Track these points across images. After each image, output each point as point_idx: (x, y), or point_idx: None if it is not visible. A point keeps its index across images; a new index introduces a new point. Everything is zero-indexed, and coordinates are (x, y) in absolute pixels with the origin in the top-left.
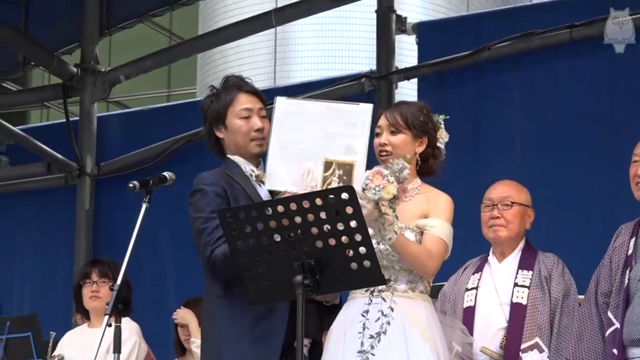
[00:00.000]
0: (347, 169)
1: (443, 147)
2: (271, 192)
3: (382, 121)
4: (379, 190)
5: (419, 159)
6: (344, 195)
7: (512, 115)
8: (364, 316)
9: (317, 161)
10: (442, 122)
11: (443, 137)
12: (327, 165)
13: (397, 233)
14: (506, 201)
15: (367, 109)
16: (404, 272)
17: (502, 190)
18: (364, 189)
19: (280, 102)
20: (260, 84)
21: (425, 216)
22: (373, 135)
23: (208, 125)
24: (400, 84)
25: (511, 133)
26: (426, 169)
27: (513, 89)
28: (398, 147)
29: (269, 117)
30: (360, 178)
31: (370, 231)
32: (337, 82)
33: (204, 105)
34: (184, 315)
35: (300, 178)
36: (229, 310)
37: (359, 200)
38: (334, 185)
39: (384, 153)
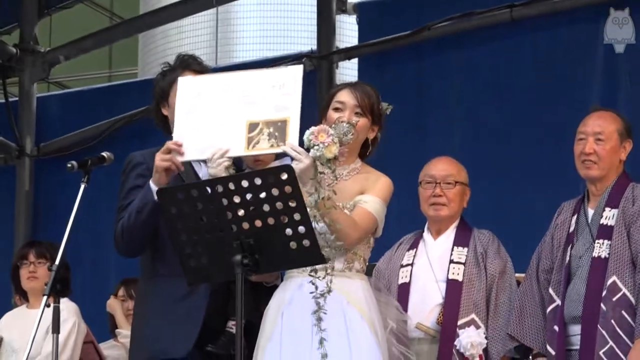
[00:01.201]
0: (280, 125)
1: (379, 134)
2: None
3: (347, 97)
4: (322, 148)
5: (369, 143)
6: (284, 176)
7: (454, 96)
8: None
9: (233, 125)
10: (388, 113)
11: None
12: (252, 126)
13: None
14: (449, 179)
15: (296, 69)
16: (341, 251)
17: (444, 169)
18: (307, 147)
19: (183, 81)
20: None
21: (362, 193)
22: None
23: (155, 102)
24: (341, 64)
25: (452, 113)
26: (365, 154)
27: (454, 70)
28: (361, 129)
29: None
30: (294, 133)
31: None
32: (278, 62)
33: (154, 82)
34: (111, 304)
35: (211, 145)
36: (151, 290)
37: (295, 154)
38: (263, 143)
39: None
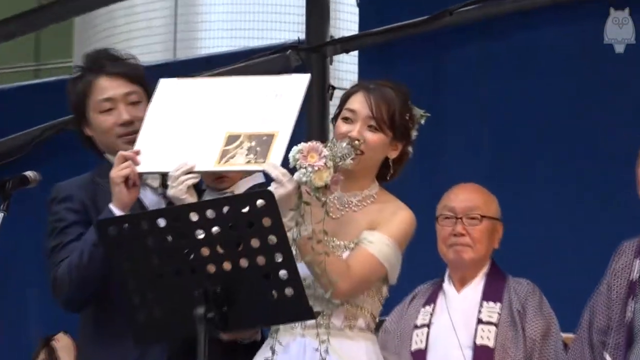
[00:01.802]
0: (265, 139)
1: (411, 149)
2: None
3: (359, 105)
4: (310, 172)
5: (390, 162)
6: (260, 202)
7: (479, 99)
8: None
9: (210, 137)
10: (425, 119)
11: (413, 134)
12: (231, 138)
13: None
14: (473, 213)
15: (302, 78)
16: (335, 304)
17: (468, 199)
18: (293, 167)
19: (165, 83)
20: (156, 56)
21: (371, 229)
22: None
23: (74, 120)
24: (336, 57)
25: (477, 122)
26: (387, 175)
27: (480, 65)
28: (373, 148)
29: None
30: (279, 150)
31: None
32: (255, 55)
33: (68, 93)
34: None
35: (176, 158)
36: (92, 352)
37: (276, 174)
38: (239, 158)
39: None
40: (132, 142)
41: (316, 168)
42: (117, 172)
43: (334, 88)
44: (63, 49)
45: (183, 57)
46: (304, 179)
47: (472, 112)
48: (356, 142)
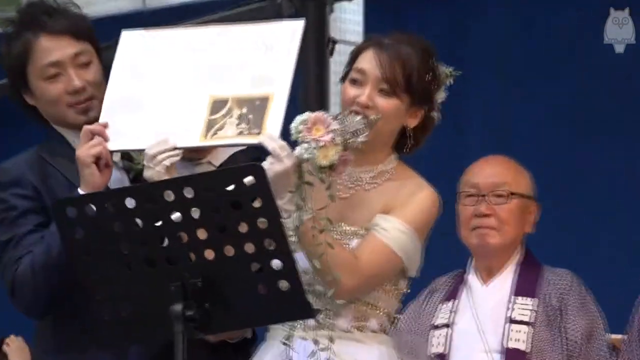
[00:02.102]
0: (258, 105)
1: (437, 114)
2: (135, 176)
3: (369, 64)
4: (314, 148)
5: (409, 132)
6: (249, 179)
7: (505, 55)
8: None
9: (190, 103)
10: (450, 80)
11: (441, 96)
12: (217, 105)
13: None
14: (500, 190)
15: (294, 27)
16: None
17: (494, 174)
18: (294, 141)
19: (128, 37)
20: (121, 4)
21: (385, 211)
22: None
23: (10, 85)
24: (337, 6)
25: (508, 86)
26: (407, 145)
27: (506, 15)
28: (386, 116)
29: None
30: (277, 117)
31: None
32: (239, 3)
33: (1, 54)
34: None
35: (152, 132)
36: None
37: (274, 147)
38: (228, 129)
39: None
40: (86, 111)
41: (321, 144)
42: (86, 150)
43: (334, 42)
44: None
45: (154, 5)
46: (306, 155)
47: (496, 71)
48: (372, 117)
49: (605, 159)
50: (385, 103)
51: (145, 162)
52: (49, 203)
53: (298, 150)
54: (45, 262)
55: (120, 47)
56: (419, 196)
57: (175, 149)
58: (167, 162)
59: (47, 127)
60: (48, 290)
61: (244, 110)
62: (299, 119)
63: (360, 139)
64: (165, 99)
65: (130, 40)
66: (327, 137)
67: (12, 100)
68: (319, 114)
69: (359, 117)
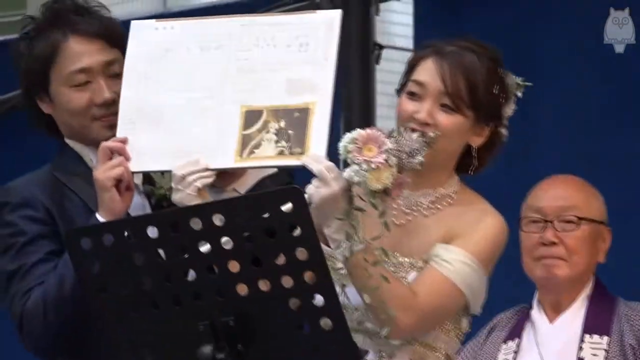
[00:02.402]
0: (297, 117)
1: (505, 131)
2: (157, 202)
3: (429, 76)
4: (365, 170)
5: (474, 153)
6: (287, 207)
7: (576, 55)
8: None
9: (218, 113)
10: (521, 91)
11: (510, 110)
12: (250, 116)
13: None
14: (568, 215)
15: (331, 16)
16: (396, 342)
17: (561, 196)
18: (345, 161)
19: (138, 29)
20: (140, 5)
21: (446, 240)
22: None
23: (24, 92)
24: (384, 6)
25: (575, 91)
26: (471, 165)
27: (578, 12)
28: (448, 135)
29: None
30: (322, 133)
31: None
32: (273, 5)
33: (15, 56)
34: None
35: (178, 149)
36: None
37: (320, 170)
38: (266, 148)
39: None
40: (113, 126)
41: (374, 166)
42: (106, 172)
43: (381, 47)
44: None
45: (176, 8)
46: (357, 178)
47: (569, 79)
48: (430, 134)
49: (605, 159)
50: (447, 120)
51: (173, 184)
52: (63, 228)
53: (347, 172)
54: (57, 296)
55: (131, 42)
56: (484, 223)
57: (207, 170)
58: (198, 184)
59: (58, 140)
60: (60, 326)
61: (282, 123)
62: (348, 136)
63: (418, 159)
64: (188, 108)
65: (141, 33)
66: (380, 159)
67: (23, 107)
68: (371, 131)
69: (416, 135)
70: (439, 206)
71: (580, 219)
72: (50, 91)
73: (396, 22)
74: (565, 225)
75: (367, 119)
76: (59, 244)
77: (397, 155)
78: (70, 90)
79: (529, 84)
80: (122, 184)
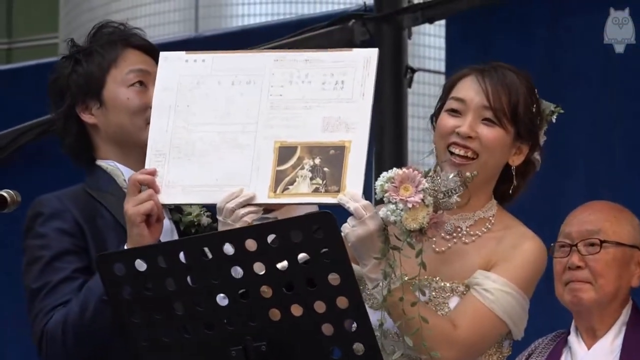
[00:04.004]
0: (333, 154)
1: (539, 157)
2: (185, 228)
3: (470, 92)
4: (401, 210)
5: (513, 172)
6: (320, 233)
7: (612, 81)
8: None
9: (251, 147)
10: (555, 117)
11: (543, 136)
12: (284, 152)
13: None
14: (592, 238)
15: (367, 56)
16: None
17: (588, 221)
18: (379, 198)
19: (167, 61)
20: (171, 29)
21: (487, 267)
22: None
23: (68, 104)
24: (416, 29)
25: (609, 112)
26: (506, 192)
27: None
28: (492, 147)
29: None
30: (358, 172)
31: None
32: (305, 28)
33: (58, 73)
34: None
35: (213, 183)
36: None
37: (356, 208)
38: (301, 185)
39: (462, 151)
40: None
41: (410, 205)
42: (136, 207)
43: (413, 70)
44: (44, 22)
45: (208, 32)
46: (393, 218)
47: (604, 106)
48: (467, 174)
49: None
50: (489, 133)
51: (220, 217)
52: (93, 244)
53: (383, 211)
54: (78, 322)
55: (160, 73)
56: (523, 248)
57: (255, 205)
58: (248, 219)
59: (86, 165)
60: (79, 352)
61: (317, 161)
62: (385, 176)
63: (454, 199)
64: (220, 142)
65: (170, 64)
66: (416, 198)
67: (55, 131)
68: (407, 171)
69: (452, 175)
70: (478, 232)
71: (602, 241)
72: (103, 95)
73: (428, 45)
74: (590, 249)
75: (398, 142)
76: (86, 260)
77: (434, 195)
78: (129, 90)
79: (562, 111)
80: (151, 218)
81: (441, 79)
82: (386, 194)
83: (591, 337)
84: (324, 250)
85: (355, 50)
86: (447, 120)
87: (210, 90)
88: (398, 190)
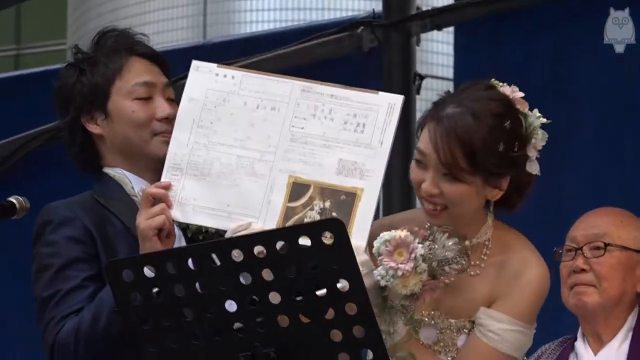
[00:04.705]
0: (344, 200)
1: (536, 167)
2: (193, 234)
3: (427, 146)
4: (392, 276)
5: (490, 204)
6: (328, 239)
7: (617, 85)
8: None
9: (266, 176)
10: (539, 130)
11: (537, 145)
12: (297, 188)
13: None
14: (597, 242)
15: (393, 101)
16: None
17: (593, 224)
18: (377, 255)
19: (198, 70)
20: (178, 35)
21: (490, 300)
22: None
23: (72, 115)
24: (425, 36)
25: (616, 116)
26: (504, 204)
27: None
28: (457, 201)
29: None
30: (365, 224)
31: None
32: (313, 35)
33: (62, 81)
34: None
35: (225, 205)
36: None
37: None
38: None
39: (431, 206)
40: (168, 143)
41: (400, 273)
42: (148, 222)
43: (421, 78)
44: (52, 29)
45: (217, 39)
46: (383, 282)
47: (612, 113)
48: (466, 243)
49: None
50: (451, 189)
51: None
52: (103, 250)
53: (377, 272)
54: (90, 332)
55: (189, 82)
56: (525, 279)
57: None
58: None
59: (94, 173)
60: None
61: (327, 204)
62: (382, 237)
63: (449, 268)
64: (237, 166)
65: (200, 75)
66: (408, 267)
67: (61, 138)
68: (404, 235)
69: (451, 243)
70: (478, 262)
71: (607, 245)
72: (108, 107)
73: (436, 52)
74: (594, 252)
75: (406, 149)
76: (96, 268)
77: (428, 262)
78: (134, 103)
79: (546, 120)
80: (162, 232)
81: (450, 86)
82: (379, 257)
83: (597, 342)
84: (334, 256)
85: (382, 94)
86: (414, 173)
87: (235, 110)
88: (392, 255)
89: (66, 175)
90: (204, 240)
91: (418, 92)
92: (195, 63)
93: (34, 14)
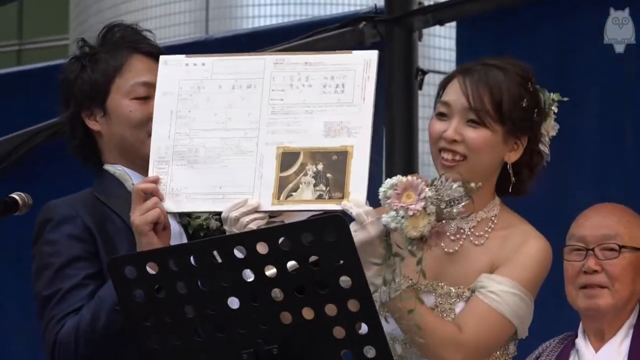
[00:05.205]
0: (335, 160)
1: (547, 150)
2: (194, 231)
3: (455, 96)
4: (402, 217)
5: (510, 169)
6: (330, 236)
7: (618, 85)
8: None
9: (253, 153)
10: (556, 106)
11: (550, 129)
12: (287, 158)
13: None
14: (610, 242)
15: (366, 59)
16: None
17: (603, 224)
18: (382, 204)
19: (167, 64)
20: (180, 30)
21: (492, 269)
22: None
23: (73, 110)
24: (426, 31)
25: (619, 111)
26: (513, 186)
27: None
28: (478, 149)
29: None
30: (361, 177)
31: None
32: (316, 30)
33: (65, 75)
34: None
35: (217, 190)
36: None
37: (358, 214)
38: (305, 192)
39: (449, 155)
40: None
41: (411, 213)
42: (142, 217)
43: (424, 73)
44: (54, 24)
45: (219, 34)
46: (393, 224)
47: (615, 104)
48: (472, 184)
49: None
50: (474, 134)
51: (226, 227)
52: (103, 250)
53: (385, 218)
54: (90, 330)
55: (160, 77)
56: (528, 248)
57: (259, 211)
58: (253, 225)
59: (94, 168)
60: (97, 354)
61: (320, 167)
62: (388, 182)
63: (456, 209)
64: (223, 148)
65: (170, 68)
66: (418, 206)
67: (64, 133)
68: (411, 179)
69: (456, 185)
70: (483, 233)
71: (621, 247)
72: (107, 104)
73: (439, 47)
74: (607, 254)
75: (409, 144)
76: (97, 266)
77: (436, 204)
78: (132, 102)
79: (565, 99)
80: (158, 226)
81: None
82: (388, 201)
83: (599, 339)
84: (336, 251)
85: (355, 52)
86: (435, 125)
87: (211, 95)
88: (400, 197)
89: (69, 172)
90: (205, 237)
91: (420, 87)
92: (162, 58)
93: (36, 9)
